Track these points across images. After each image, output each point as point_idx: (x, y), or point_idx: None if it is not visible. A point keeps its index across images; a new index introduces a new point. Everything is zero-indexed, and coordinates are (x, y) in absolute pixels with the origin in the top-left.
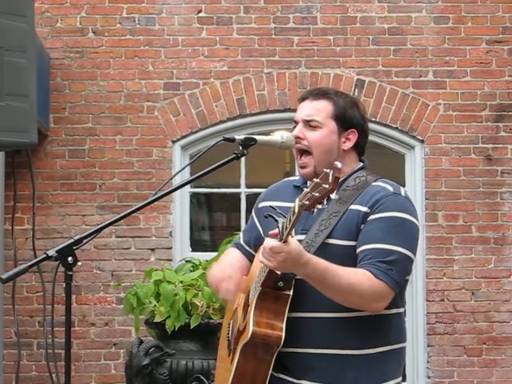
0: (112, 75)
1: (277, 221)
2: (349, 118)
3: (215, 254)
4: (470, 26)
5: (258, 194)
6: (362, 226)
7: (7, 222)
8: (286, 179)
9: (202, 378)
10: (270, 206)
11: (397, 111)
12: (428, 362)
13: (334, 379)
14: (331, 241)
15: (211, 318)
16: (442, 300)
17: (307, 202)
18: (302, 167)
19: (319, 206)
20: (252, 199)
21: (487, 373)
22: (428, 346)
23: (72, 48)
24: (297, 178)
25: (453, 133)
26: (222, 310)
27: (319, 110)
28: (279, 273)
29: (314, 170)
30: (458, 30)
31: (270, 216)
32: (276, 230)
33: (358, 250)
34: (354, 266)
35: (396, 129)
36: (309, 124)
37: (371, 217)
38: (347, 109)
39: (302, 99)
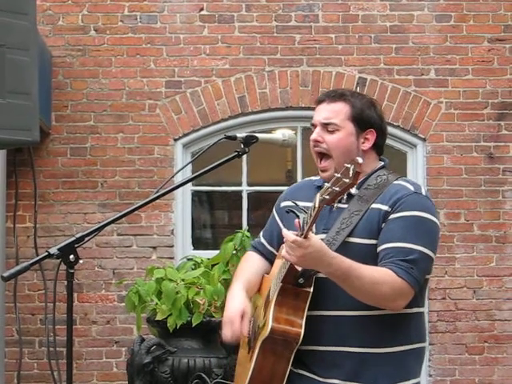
0: (114, 73)
1: (298, 216)
2: (366, 118)
3: (217, 252)
4: (472, 24)
5: (260, 192)
6: (383, 224)
7: (9, 219)
8: (306, 179)
9: (204, 376)
10: (293, 202)
11: (398, 109)
12: (430, 360)
13: (354, 377)
14: (352, 239)
15: (213, 316)
16: (444, 298)
17: (328, 197)
18: (322, 171)
19: (340, 205)
20: (254, 197)
21: (489, 371)
22: (430, 344)
23: (74, 46)
24: (318, 177)
25: (454, 131)
26: (224, 308)
27: (336, 112)
28: (299, 269)
29: (335, 172)
30: (460, 29)
31: (292, 211)
32: (298, 221)
33: (379, 249)
34: (375, 264)
35: (398, 127)
36: (327, 127)
37: (392, 216)
38: (364, 109)
39: (319, 102)
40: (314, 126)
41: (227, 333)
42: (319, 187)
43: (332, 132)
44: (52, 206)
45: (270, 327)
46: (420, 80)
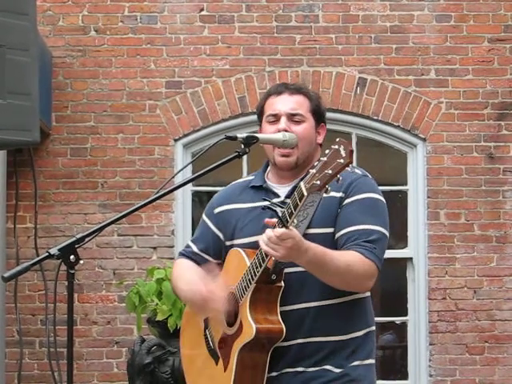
0: (114, 74)
1: (275, 211)
2: (322, 112)
3: None
4: (472, 24)
5: None
6: (339, 210)
7: (9, 220)
8: (234, 182)
9: None
10: (266, 199)
11: (399, 110)
12: (430, 360)
13: (321, 363)
14: (312, 230)
15: None
16: (444, 298)
17: (318, 182)
18: (284, 156)
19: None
20: None
21: (489, 371)
22: (430, 344)
23: (74, 46)
24: (248, 178)
25: (455, 131)
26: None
27: (300, 104)
28: (270, 267)
29: (296, 161)
30: (460, 29)
31: (268, 208)
32: (273, 219)
33: (340, 233)
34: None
35: (398, 127)
36: (292, 118)
37: (347, 200)
38: (319, 104)
39: (279, 93)
40: (277, 116)
41: (213, 305)
42: (259, 187)
43: (298, 123)
44: (52, 206)
45: (254, 329)
46: (420, 80)
